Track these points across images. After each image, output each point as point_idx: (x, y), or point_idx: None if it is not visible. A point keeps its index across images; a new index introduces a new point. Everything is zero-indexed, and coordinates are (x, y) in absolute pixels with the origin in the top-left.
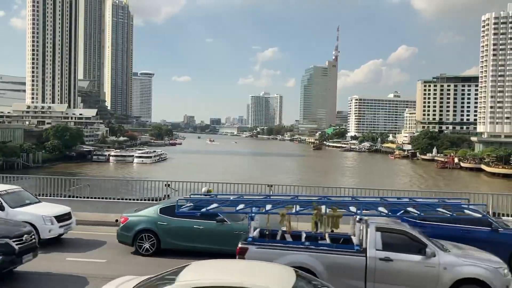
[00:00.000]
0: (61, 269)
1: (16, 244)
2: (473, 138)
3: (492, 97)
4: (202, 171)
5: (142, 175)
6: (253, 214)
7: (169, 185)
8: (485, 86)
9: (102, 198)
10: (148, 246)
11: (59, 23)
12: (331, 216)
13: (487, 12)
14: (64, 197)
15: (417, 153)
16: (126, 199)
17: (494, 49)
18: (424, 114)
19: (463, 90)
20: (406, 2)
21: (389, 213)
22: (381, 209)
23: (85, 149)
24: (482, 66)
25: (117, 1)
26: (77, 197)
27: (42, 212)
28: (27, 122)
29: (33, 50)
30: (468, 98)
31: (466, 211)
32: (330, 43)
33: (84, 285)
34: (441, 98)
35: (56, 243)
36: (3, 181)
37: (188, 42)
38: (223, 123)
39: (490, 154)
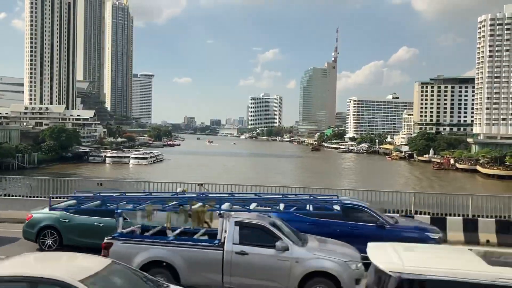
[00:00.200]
0: None
1: None
2: (469, 140)
3: (488, 98)
4: (195, 172)
5: (128, 176)
6: (119, 210)
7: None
8: (481, 87)
9: (40, 197)
10: (50, 243)
11: (57, 24)
12: (196, 212)
13: (488, 13)
14: None
15: (414, 154)
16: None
17: (490, 51)
18: (421, 116)
19: (460, 91)
20: (407, 4)
21: (275, 209)
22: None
23: (81, 150)
24: (478, 68)
25: (117, 3)
26: (12, 196)
27: None
28: (25, 123)
29: (31, 51)
30: (465, 100)
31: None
32: (331, 44)
33: None
34: (438, 100)
35: None
36: None
37: (189, 43)
38: (223, 124)
39: (485, 156)
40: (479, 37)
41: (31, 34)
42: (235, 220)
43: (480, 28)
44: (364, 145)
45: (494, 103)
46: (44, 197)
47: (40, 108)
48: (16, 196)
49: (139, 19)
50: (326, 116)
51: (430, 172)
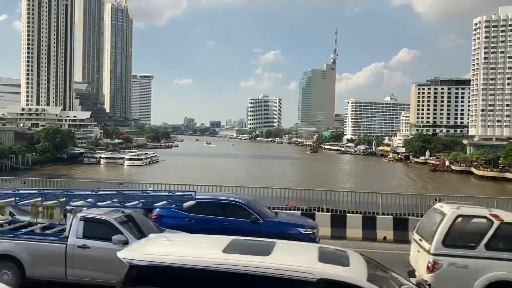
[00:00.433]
0: None
1: None
2: (465, 141)
3: (483, 100)
4: (187, 173)
5: (121, 177)
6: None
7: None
8: (477, 89)
9: None
10: None
11: (55, 26)
12: (46, 207)
13: (488, 15)
14: None
15: (411, 156)
16: None
17: (485, 52)
18: (418, 117)
19: (456, 93)
20: (407, 5)
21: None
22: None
23: (76, 151)
24: (474, 69)
25: (116, 4)
26: None
27: None
28: (21, 125)
29: (28, 52)
30: (462, 101)
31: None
32: (332, 46)
33: None
34: (435, 101)
35: None
36: None
37: (190, 45)
38: (223, 125)
39: (479, 157)
40: (475, 39)
41: (28, 35)
42: (82, 215)
43: (475, 30)
44: (362, 147)
45: (489, 105)
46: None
47: (37, 109)
48: None
49: (139, 20)
50: (325, 117)
51: (425, 174)
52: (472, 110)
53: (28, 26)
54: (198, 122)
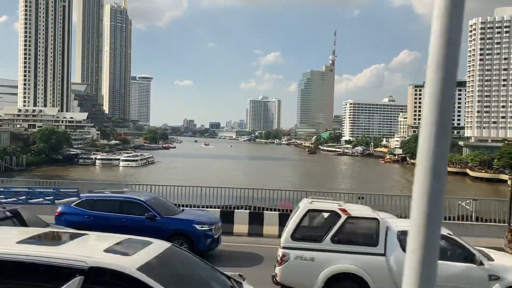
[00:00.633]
0: None
1: None
2: (460, 143)
3: (479, 101)
4: (181, 175)
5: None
6: None
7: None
8: (472, 90)
9: None
10: None
11: (52, 27)
12: None
13: (488, 16)
14: None
15: (407, 157)
16: None
17: (481, 54)
18: (415, 118)
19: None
20: (408, 7)
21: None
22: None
23: (72, 152)
24: (470, 71)
25: (115, 5)
26: None
27: None
28: (18, 126)
29: (24, 54)
30: (459, 102)
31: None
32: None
33: None
34: None
35: None
36: None
37: (191, 46)
38: (223, 126)
39: (474, 159)
40: (470, 40)
41: (25, 36)
42: None
43: (471, 31)
44: (359, 148)
45: (485, 106)
46: None
47: (34, 111)
48: None
49: (140, 21)
50: (324, 119)
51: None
52: (468, 112)
53: (25, 27)
54: (198, 123)
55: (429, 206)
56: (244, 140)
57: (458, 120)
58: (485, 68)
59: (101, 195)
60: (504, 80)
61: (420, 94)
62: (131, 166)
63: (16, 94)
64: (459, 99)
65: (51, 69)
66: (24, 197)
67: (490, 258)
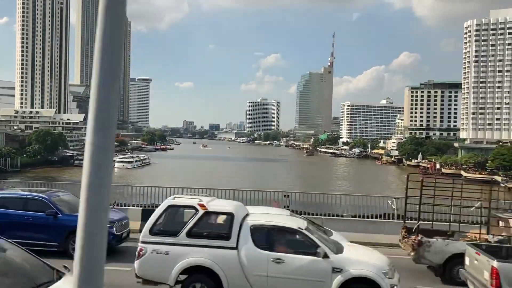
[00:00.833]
0: None
1: None
2: (456, 144)
3: (474, 103)
4: (176, 176)
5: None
6: None
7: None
8: (468, 92)
9: None
10: None
11: (49, 29)
12: None
13: (483, 18)
14: None
15: (403, 159)
16: None
17: (476, 56)
18: (411, 120)
19: (450, 96)
20: (408, 9)
21: None
22: None
23: (68, 153)
24: (465, 73)
25: None
26: None
27: None
28: (15, 127)
29: (22, 55)
30: (455, 104)
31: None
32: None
33: None
34: (428, 104)
35: None
36: None
37: (191, 48)
38: (222, 128)
39: (468, 160)
40: (465, 42)
41: (23, 38)
42: None
43: (466, 33)
44: (357, 150)
45: (480, 108)
46: None
47: (31, 112)
48: None
49: (140, 24)
50: (323, 120)
51: (416, 177)
52: (463, 114)
53: (23, 29)
54: (197, 125)
55: (94, 197)
56: (243, 142)
57: (454, 122)
58: (480, 70)
59: (4, 192)
60: (499, 82)
61: (416, 96)
62: (126, 168)
63: (13, 95)
64: (455, 101)
65: (48, 71)
66: None
67: (339, 251)
